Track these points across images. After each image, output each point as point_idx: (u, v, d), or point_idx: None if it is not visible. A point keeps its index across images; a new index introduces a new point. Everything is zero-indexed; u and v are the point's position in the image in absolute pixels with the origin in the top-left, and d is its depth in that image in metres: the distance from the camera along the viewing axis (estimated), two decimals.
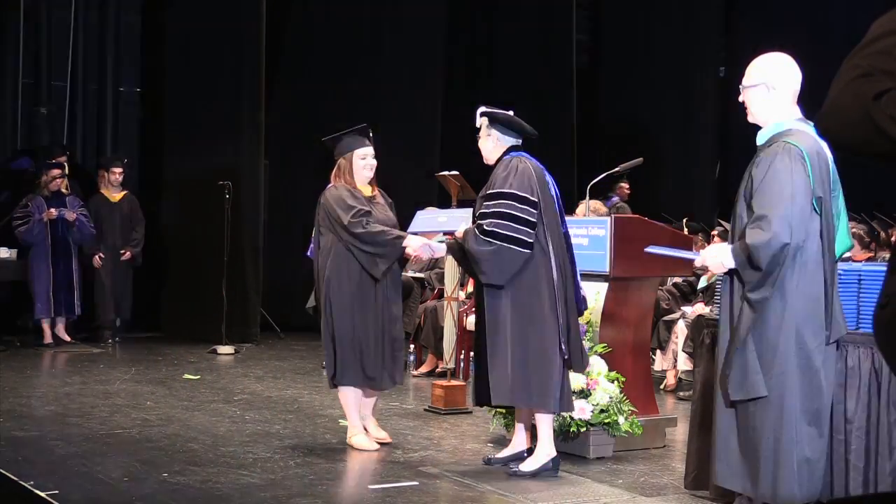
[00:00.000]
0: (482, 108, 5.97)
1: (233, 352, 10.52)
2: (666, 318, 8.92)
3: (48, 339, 10.68)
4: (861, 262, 8.56)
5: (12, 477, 5.44)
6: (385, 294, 6.30)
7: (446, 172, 8.56)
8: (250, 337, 11.27)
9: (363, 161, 6.38)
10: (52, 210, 10.75)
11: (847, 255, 9.80)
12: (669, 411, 7.61)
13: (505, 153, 5.89)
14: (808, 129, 4.40)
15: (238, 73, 11.41)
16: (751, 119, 4.54)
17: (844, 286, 4.76)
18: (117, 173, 11.59)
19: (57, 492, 5.18)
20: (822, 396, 4.33)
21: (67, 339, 10.83)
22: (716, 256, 4.46)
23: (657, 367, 8.87)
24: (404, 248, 6.23)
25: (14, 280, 10.73)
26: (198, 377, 9.02)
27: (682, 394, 8.45)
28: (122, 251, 11.37)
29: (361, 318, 6.22)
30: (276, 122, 12.29)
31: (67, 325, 10.94)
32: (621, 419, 6.10)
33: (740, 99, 4.54)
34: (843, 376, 4.69)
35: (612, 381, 6.16)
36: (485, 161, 6.02)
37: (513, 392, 5.67)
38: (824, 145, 4.38)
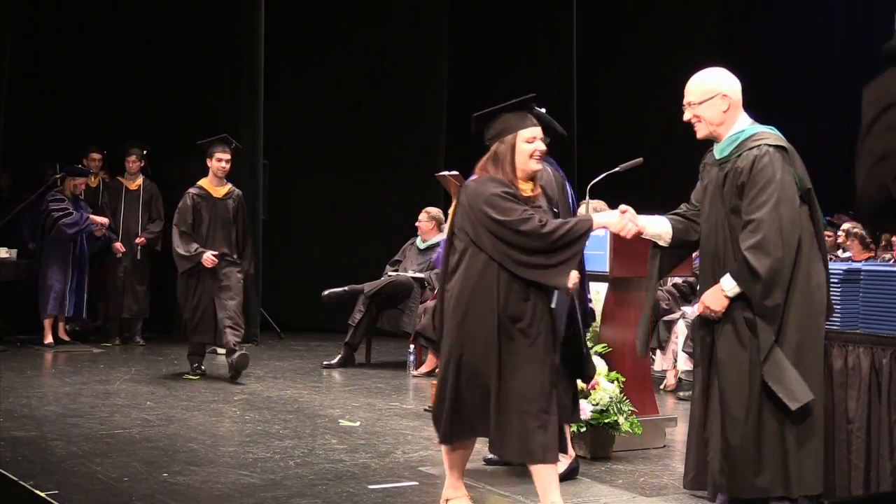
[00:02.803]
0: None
1: None
2: (666, 318, 8.92)
3: (48, 339, 10.67)
4: (861, 261, 8.57)
5: (12, 477, 5.44)
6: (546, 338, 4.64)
7: (446, 172, 8.53)
8: (250, 337, 11.26)
9: (530, 146, 4.65)
10: (103, 224, 10.66)
11: (847, 255, 9.84)
12: (669, 411, 7.61)
13: None
14: (766, 128, 4.43)
15: (238, 72, 11.41)
16: (703, 134, 4.55)
17: (845, 286, 4.77)
18: (224, 160, 8.77)
19: (57, 492, 5.18)
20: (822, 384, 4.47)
21: (67, 338, 10.83)
22: (713, 293, 4.43)
23: (657, 367, 8.88)
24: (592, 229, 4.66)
25: (14, 280, 10.69)
26: (198, 377, 9.01)
27: (681, 394, 8.46)
28: (231, 269, 8.95)
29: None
30: (276, 122, 12.29)
31: (66, 324, 10.93)
32: (621, 419, 6.10)
33: (686, 118, 4.53)
34: (843, 376, 4.69)
35: (612, 381, 6.16)
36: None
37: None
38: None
